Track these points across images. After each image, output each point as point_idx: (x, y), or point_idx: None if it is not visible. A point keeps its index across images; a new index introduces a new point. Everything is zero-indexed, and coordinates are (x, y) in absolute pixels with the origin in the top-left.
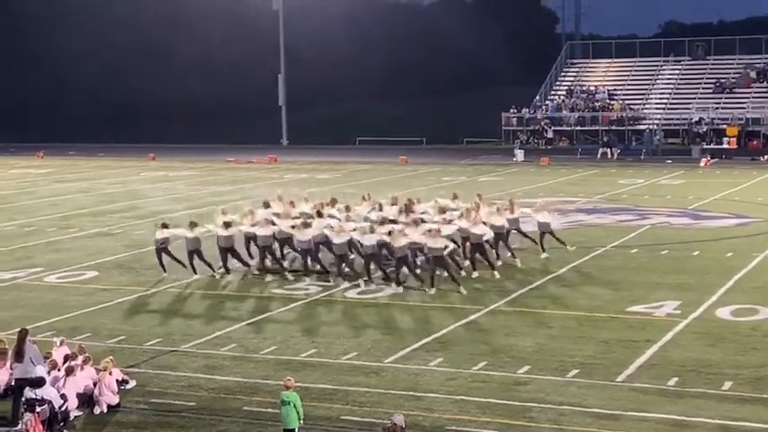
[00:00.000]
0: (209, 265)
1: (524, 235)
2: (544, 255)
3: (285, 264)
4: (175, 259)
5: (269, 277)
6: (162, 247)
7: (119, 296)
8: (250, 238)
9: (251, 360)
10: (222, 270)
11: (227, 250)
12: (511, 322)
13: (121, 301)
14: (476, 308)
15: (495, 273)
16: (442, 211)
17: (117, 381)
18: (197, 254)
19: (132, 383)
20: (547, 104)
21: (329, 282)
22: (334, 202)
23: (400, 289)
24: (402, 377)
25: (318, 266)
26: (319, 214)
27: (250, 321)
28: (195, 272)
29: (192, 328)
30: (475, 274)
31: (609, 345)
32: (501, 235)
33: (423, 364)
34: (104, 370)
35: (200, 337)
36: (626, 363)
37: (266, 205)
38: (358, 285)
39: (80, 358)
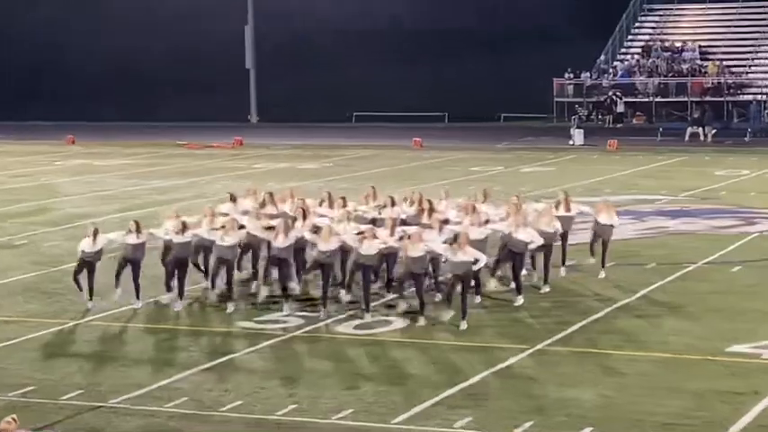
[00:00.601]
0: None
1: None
2: (602, 274)
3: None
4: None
5: (231, 306)
6: (90, 264)
7: (25, 331)
8: (206, 248)
9: (208, 420)
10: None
11: (181, 263)
12: (566, 368)
13: (29, 339)
14: (516, 348)
15: (520, 298)
16: (473, 209)
17: None
18: (134, 266)
19: None
20: (615, 67)
21: (317, 312)
22: (329, 200)
23: (406, 320)
24: None
25: (295, 286)
26: (304, 215)
27: (207, 366)
28: (137, 296)
29: (126, 375)
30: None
31: (703, 398)
32: (551, 245)
33: (445, 426)
34: None
35: (138, 389)
36: (726, 423)
37: (232, 199)
38: (357, 317)
39: None
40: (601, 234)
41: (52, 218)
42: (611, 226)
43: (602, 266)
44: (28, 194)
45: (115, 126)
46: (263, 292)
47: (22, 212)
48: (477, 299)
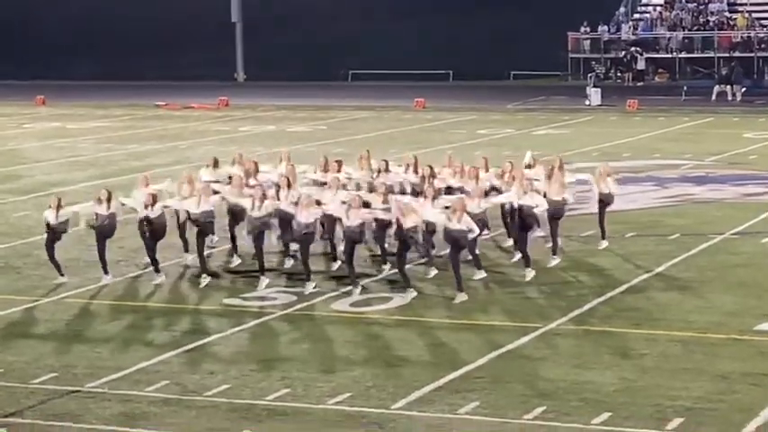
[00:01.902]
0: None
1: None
2: (604, 243)
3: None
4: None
5: (205, 279)
6: (56, 236)
7: None
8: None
9: (191, 405)
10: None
11: (156, 236)
12: (581, 348)
13: None
14: (528, 326)
15: (529, 271)
16: (476, 175)
17: None
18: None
19: None
20: (635, 19)
21: (309, 288)
22: (326, 165)
23: (409, 296)
24: (418, 430)
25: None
26: (289, 184)
27: (189, 348)
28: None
29: (102, 357)
30: (479, 275)
31: (729, 381)
32: (560, 213)
33: (449, 412)
34: None
35: (116, 371)
36: (755, 407)
37: (215, 164)
38: (351, 293)
39: None
40: (608, 202)
41: (21, 186)
42: (612, 195)
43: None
44: None
45: (88, 85)
46: (236, 261)
47: None
48: (483, 274)
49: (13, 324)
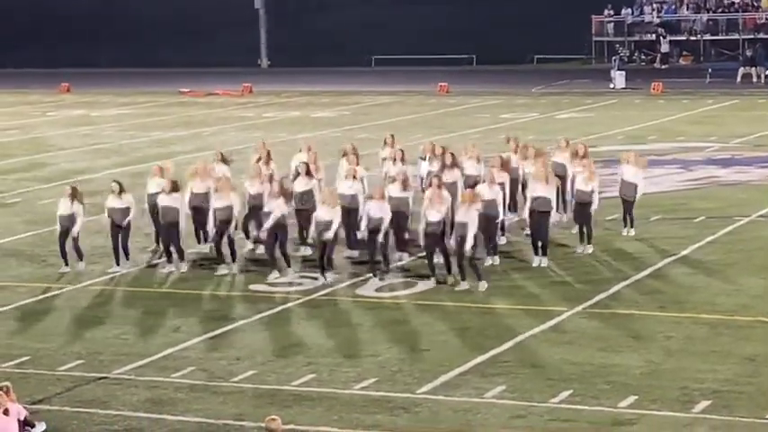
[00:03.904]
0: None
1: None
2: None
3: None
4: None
5: (223, 269)
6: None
7: (18, 297)
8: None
9: (217, 391)
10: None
11: (172, 226)
12: (607, 331)
13: (22, 305)
14: (554, 310)
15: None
16: (502, 163)
17: (19, 421)
18: (123, 233)
19: (41, 428)
20: (659, 2)
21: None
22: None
23: (431, 282)
24: (445, 415)
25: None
26: (308, 173)
27: (215, 334)
28: (124, 259)
29: (128, 344)
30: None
31: (757, 364)
32: (588, 204)
33: (476, 396)
34: None
35: (142, 358)
36: None
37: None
38: (376, 278)
39: None
40: (624, 192)
41: (46, 174)
42: (635, 184)
43: (625, 225)
44: (19, 149)
45: (112, 73)
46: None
47: (14, 168)
48: (495, 260)
49: (40, 312)
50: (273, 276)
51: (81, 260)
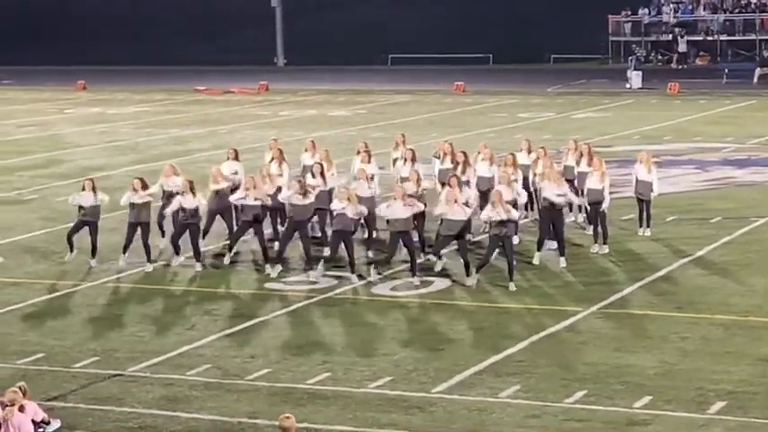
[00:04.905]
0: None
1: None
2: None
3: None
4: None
5: (273, 269)
6: (85, 221)
7: (33, 294)
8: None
9: (232, 389)
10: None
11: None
12: (621, 332)
13: (37, 302)
14: (569, 310)
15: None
16: (513, 162)
17: (33, 422)
18: (142, 228)
19: (56, 425)
20: (676, 2)
21: (351, 274)
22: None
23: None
24: (459, 414)
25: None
26: (322, 173)
27: (230, 331)
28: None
29: (144, 341)
30: (471, 281)
31: None
32: (599, 204)
33: (490, 395)
34: (12, 405)
35: (157, 355)
36: None
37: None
38: (392, 277)
39: None
40: (640, 192)
41: (63, 171)
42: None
43: (642, 225)
44: (36, 146)
45: (128, 70)
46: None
47: (31, 165)
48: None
49: (55, 309)
50: (277, 270)
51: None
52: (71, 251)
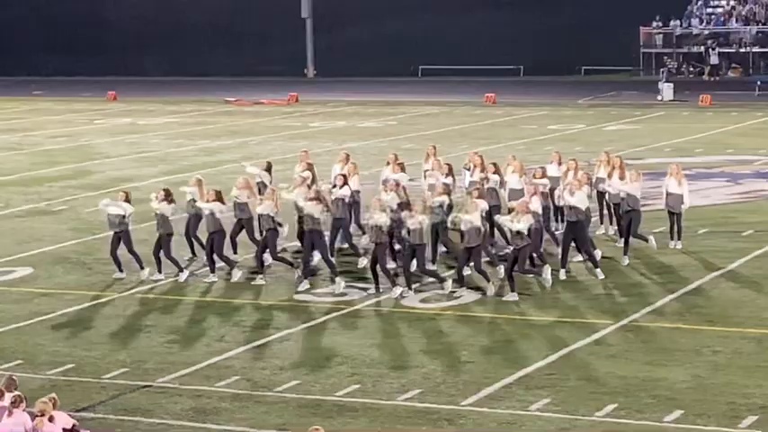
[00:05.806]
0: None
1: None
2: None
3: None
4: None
5: (259, 279)
6: (117, 234)
7: (63, 305)
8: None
9: (261, 401)
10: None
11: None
12: (652, 345)
13: (67, 312)
14: (600, 323)
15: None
16: (543, 175)
17: (64, 430)
18: (165, 240)
19: None
20: (708, 13)
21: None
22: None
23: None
24: (489, 427)
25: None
26: (345, 185)
27: (259, 343)
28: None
29: (173, 352)
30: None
31: None
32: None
33: (520, 408)
34: (42, 415)
35: (186, 367)
36: None
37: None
38: (420, 290)
39: (7, 398)
40: (671, 205)
41: (93, 181)
42: (681, 196)
43: (673, 237)
44: (67, 156)
45: (159, 81)
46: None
47: (61, 176)
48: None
49: (85, 319)
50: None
51: (121, 269)
52: (120, 270)
